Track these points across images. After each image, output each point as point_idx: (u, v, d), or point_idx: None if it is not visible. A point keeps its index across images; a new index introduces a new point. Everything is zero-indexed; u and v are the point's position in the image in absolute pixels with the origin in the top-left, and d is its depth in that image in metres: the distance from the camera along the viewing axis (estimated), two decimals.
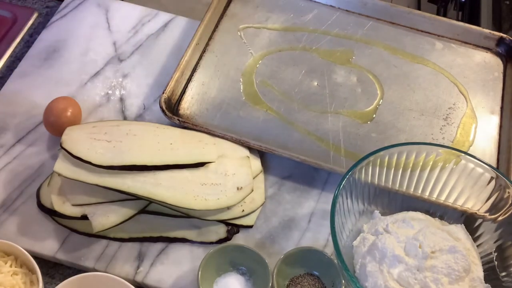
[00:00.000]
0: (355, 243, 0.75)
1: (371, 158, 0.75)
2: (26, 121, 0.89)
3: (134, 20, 1.02)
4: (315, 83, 0.95)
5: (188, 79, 0.94)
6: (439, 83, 0.96)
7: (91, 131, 0.81)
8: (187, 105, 0.91)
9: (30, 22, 1.03)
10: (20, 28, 1.02)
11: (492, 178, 0.75)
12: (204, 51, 0.97)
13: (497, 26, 1.01)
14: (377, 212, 0.78)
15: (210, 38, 0.99)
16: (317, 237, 0.81)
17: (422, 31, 1.02)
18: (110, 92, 0.93)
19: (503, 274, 0.73)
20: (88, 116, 0.90)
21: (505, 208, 0.74)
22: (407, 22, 1.03)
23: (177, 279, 0.77)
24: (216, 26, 1.00)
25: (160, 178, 0.78)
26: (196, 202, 0.77)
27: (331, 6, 1.04)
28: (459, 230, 0.76)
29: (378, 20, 1.03)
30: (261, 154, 0.87)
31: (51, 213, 0.79)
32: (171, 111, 0.88)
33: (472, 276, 0.71)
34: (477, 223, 0.77)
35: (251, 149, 0.86)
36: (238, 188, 0.80)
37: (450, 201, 0.79)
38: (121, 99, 0.93)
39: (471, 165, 0.76)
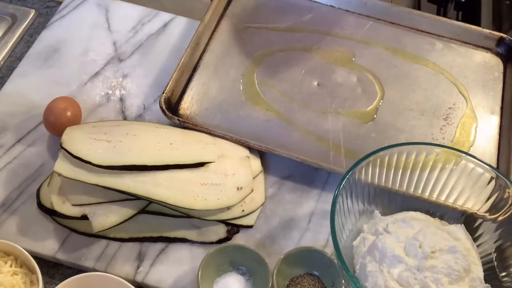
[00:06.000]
0: (355, 243, 0.75)
1: (371, 158, 0.75)
2: (26, 121, 0.89)
3: (134, 20, 1.02)
4: (315, 83, 0.95)
5: (188, 79, 0.94)
6: (439, 83, 0.96)
7: (91, 131, 0.81)
8: (187, 105, 0.91)
9: (30, 22, 1.03)
10: (20, 28, 1.02)
11: (492, 178, 0.75)
12: (204, 51, 0.97)
13: (497, 26, 1.01)
14: (377, 212, 0.78)
15: (210, 38, 0.99)
16: (317, 237, 0.81)
17: (422, 31, 1.02)
18: (110, 92, 0.93)
19: (503, 274, 0.73)
20: (88, 116, 0.90)
21: (505, 208, 0.74)
22: (407, 22, 1.02)
23: (177, 279, 0.77)
24: (216, 26, 1.00)
25: (160, 178, 0.78)
26: (196, 202, 0.77)
27: (331, 6, 1.04)
28: (459, 230, 0.76)
29: (378, 20, 1.03)
30: (261, 154, 0.87)
31: (51, 213, 0.79)
32: (171, 111, 0.88)
33: (472, 276, 0.71)
34: (477, 223, 0.77)
35: (251, 149, 0.86)
36: (238, 188, 0.80)
37: (450, 201, 0.79)
38: (121, 99, 0.93)
39: (471, 165, 0.76)
